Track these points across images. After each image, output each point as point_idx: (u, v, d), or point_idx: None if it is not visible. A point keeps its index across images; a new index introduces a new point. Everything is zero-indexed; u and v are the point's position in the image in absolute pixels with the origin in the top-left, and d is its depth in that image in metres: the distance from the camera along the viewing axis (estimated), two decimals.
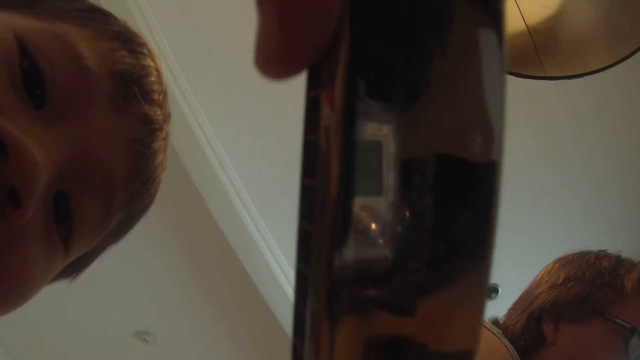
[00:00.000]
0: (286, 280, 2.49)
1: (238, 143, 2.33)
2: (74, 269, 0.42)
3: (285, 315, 2.51)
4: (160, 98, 0.39)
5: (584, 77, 1.23)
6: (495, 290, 2.65)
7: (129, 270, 2.66)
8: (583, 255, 0.95)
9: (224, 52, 2.17)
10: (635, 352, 0.85)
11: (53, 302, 2.70)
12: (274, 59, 0.14)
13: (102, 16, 0.38)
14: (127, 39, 0.38)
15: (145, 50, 0.39)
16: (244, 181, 2.39)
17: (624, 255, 0.97)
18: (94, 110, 0.34)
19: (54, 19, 0.35)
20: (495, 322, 0.91)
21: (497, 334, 0.76)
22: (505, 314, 0.96)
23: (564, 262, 0.96)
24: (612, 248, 1.01)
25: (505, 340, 0.76)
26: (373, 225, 0.14)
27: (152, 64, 0.39)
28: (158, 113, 0.38)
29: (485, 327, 0.77)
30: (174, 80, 2.14)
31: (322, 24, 0.14)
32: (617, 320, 0.85)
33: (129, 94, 0.35)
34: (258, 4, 0.15)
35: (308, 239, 0.16)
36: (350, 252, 0.14)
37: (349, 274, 0.14)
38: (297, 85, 0.17)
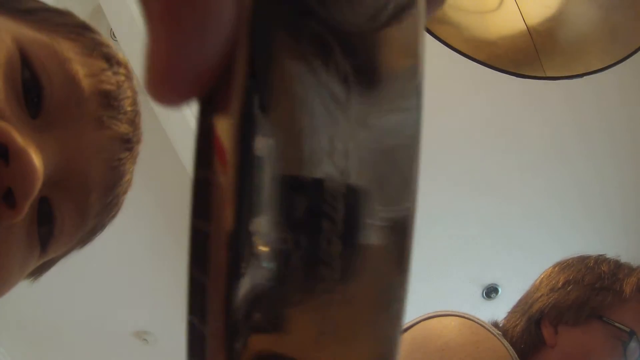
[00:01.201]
0: None
1: None
2: (37, 270, 0.44)
3: None
4: (137, 119, 0.42)
5: (584, 77, 1.23)
6: (495, 290, 2.65)
7: (130, 271, 2.66)
8: (582, 260, 0.96)
9: None
10: (634, 355, 0.85)
11: (53, 302, 2.70)
12: (162, 81, 0.13)
13: (92, 34, 0.41)
14: (111, 59, 0.40)
15: (124, 71, 0.41)
16: None
17: (623, 260, 0.97)
18: (82, 126, 0.36)
19: (50, 31, 0.37)
20: (495, 324, 0.92)
21: (497, 335, 0.76)
22: (505, 317, 0.96)
23: (564, 266, 0.97)
24: (613, 252, 1.01)
25: (506, 342, 0.76)
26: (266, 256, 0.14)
27: (130, 85, 0.42)
28: (134, 133, 0.42)
29: (485, 328, 0.77)
30: None
31: (214, 39, 0.13)
32: (616, 324, 0.85)
33: (112, 114, 0.38)
34: (145, 16, 0.13)
35: (201, 291, 0.15)
36: (244, 296, 0.14)
37: (245, 321, 0.14)
38: None
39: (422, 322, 0.80)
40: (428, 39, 1.23)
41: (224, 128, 0.14)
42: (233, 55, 0.13)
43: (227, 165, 0.13)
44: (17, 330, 2.84)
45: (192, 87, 0.13)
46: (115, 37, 2.24)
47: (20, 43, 0.33)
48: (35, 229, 0.35)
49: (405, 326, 0.81)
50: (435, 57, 2.08)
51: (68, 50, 0.36)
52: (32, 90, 0.34)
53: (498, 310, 1.00)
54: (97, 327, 2.86)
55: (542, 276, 0.98)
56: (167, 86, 0.13)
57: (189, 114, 2.20)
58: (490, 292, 2.65)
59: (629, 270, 0.92)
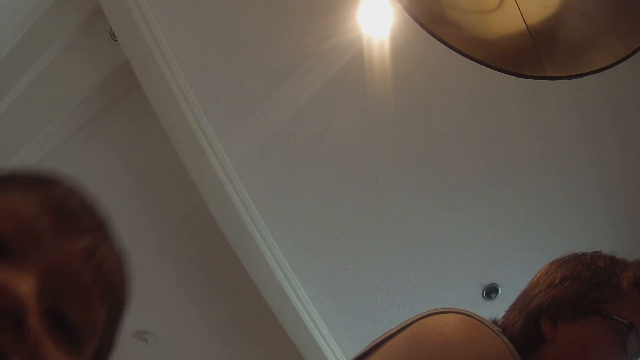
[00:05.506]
0: (285, 279, 2.49)
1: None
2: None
3: (285, 315, 2.51)
4: (89, 209, 0.49)
5: (584, 77, 1.23)
6: (495, 290, 2.65)
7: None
8: (579, 257, 0.96)
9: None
10: (633, 347, 0.85)
11: None
12: None
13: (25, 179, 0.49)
14: (43, 182, 0.48)
15: (59, 183, 0.49)
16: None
17: (618, 256, 0.98)
18: (44, 242, 0.43)
19: None
20: (494, 322, 0.92)
21: (496, 332, 0.76)
22: (503, 315, 0.96)
23: (560, 263, 0.97)
24: (612, 249, 1.02)
25: (505, 338, 0.76)
26: None
27: (77, 187, 0.49)
28: (92, 221, 0.48)
29: (485, 325, 0.77)
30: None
31: None
32: (615, 317, 0.85)
33: (63, 219, 0.45)
34: None
35: None
36: None
37: None
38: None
39: (422, 320, 0.80)
40: (429, 39, 1.23)
41: None
42: None
43: None
44: None
45: None
46: (115, 37, 2.25)
47: None
48: (60, 335, 0.42)
49: (405, 324, 0.81)
50: (435, 57, 2.07)
51: (10, 199, 0.45)
52: None
53: (498, 310, 1.00)
54: None
55: (539, 274, 0.98)
56: None
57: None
58: (490, 292, 2.66)
59: (625, 265, 0.93)
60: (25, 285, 0.40)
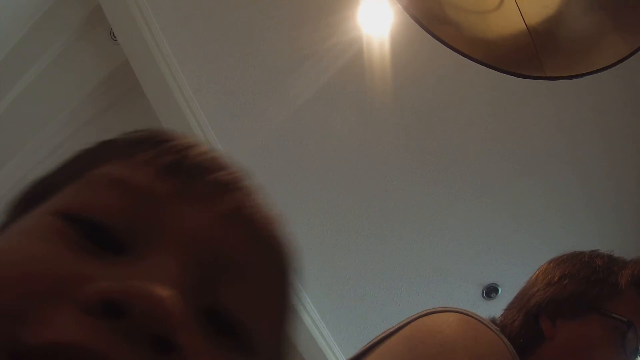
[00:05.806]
0: None
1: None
2: None
3: None
4: (218, 162, 0.36)
5: (584, 77, 1.23)
6: (495, 290, 2.65)
7: None
8: (577, 255, 0.97)
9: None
10: (632, 345, 0.86)
11: None
12: None
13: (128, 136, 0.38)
14: (155, 139, 0.36)
15: (176, 137, 0.36)
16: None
17: (616, 254, 0.98)
18: (168, 215, 0.32)
19: (91, 168, 0.34)
20: (492, 321, 0.92)
21: (495, 331, 0.76)
22: (501, 314, 0.96)
23: (559, 261, 0.97)
24: (610, 248, 1.02)
25: (504, 337, 0.76)
26: None
27: (193, 140, 0.37)
28: (226, 174, 0.35)
29: (483, 323, 0.77)
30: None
31: None
32: (613, 315, 0.86)
33: (186, 179, 0.33)
34: None
35: None
36: None
37: None
38: None
39: (421, 318, 0.80)
40: (429, 39, 1.23)
41: None
42: None
43: None
44: None
45: None
46: (115, 37, 2.25)
47: (56, 211, 0.31)
48: (225, 342, 0.30)
49: (404, 322, 0.81)
50: (436, 57, 2.07)
51: (108, 171, 0.33)
52: (99, 236, 0.30)
53: (498, 310, 1.00)
54: None
55: (537, 272, 0.99)
56: None
57: None
58: (490, 292, 2.65)
59: (623, 263, 0.93)
60: (164, 288, 0.26)
